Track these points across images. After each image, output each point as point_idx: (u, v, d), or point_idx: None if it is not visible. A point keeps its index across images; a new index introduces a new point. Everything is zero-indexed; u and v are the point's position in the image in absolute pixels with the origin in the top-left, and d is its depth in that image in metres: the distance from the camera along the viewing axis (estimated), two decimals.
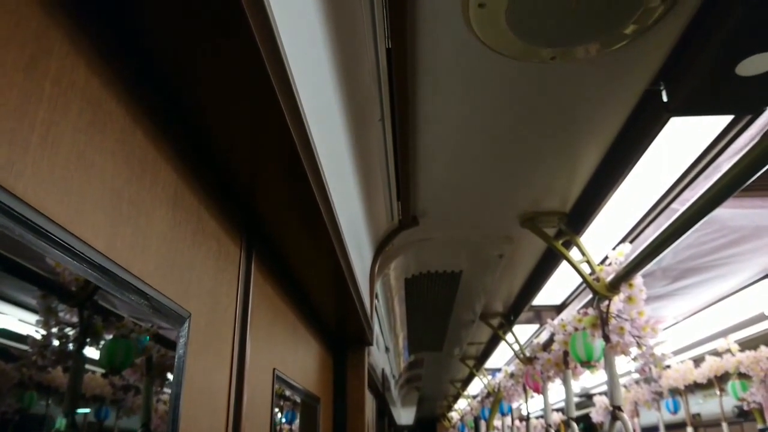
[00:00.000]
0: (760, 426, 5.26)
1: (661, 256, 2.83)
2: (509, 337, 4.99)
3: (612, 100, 1.99)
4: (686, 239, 3.65)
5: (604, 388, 8.63)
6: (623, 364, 7.72)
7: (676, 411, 6.96)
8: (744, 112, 1.90)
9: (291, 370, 1.99)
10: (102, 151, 0.78)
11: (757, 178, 2.79)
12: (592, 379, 8.52)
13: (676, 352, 6.36)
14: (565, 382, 3.73)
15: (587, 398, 9.52)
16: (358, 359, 2.68)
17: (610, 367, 2.80)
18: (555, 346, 3.61)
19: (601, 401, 8.64)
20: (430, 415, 15.51)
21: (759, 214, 3.31)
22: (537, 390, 4.55)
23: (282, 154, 1.13)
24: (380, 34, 1.55)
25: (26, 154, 0.62)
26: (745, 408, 5.23)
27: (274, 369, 1.75)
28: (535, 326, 5.19)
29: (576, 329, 3.19)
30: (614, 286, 2.71)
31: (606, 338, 2.80)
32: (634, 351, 2.68)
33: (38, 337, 0.66)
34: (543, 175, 2.55)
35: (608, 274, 2.75)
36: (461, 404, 11.98)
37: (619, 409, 2.74)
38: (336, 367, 2.69)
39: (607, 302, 2.84)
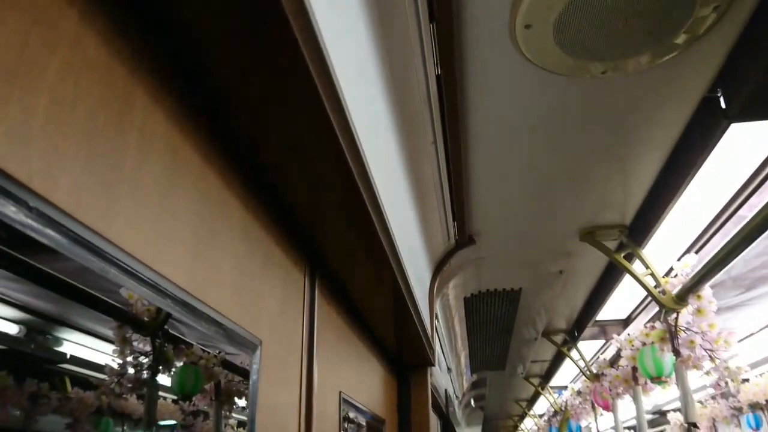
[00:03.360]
0: None
1: (730, 265, 2.74)
2: (574, 353, 4.88)
3: (668, 109, 1.96)
4: (757, 246, 3.51)
5: (678, 404, 8.26)
6: (696, 378, 7.35)
7: (758, 427, 6.57)
8: None
9: (356, 392, 2.02)
10: (181, 193, 0.85)
11: None
12: (664, 395, 8.17)
13: (754, 365, 6.04)
14: (636, 399, 3.61)
15: (660, 415, 9.11)
16: (420, 380, 2.69)
17: (682, 382, 2.71)
18: (623, 362, 3.51)
19: (675, 418, 8.26)
20: None
21: None
22: (606, 408, 4.42)
23: (340, 185, 1.18)
24: (429, 61, 1.59)
25: (118, 201, 0.68)
26: None
27: (340, 392, 1.79)
28: (601, 342, 5.05)
29: (644, 344, 3.10)
30: (681, 298, 2.63)
31: (676, 352, 2.71)
32: (707, 365, 2.59)
33: (115, 365, 0.72)
34: (600, 189, 2.52)
35: (674, 287, 2.67)
36: (528, 423, 11.69)
37: (695, 425, 2.64)
38: (400, 388, 2.71)
39: (675, 315, 2.75)
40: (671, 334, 2.75)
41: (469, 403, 8.81)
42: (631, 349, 3.29)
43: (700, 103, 1.93)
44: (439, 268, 2.82)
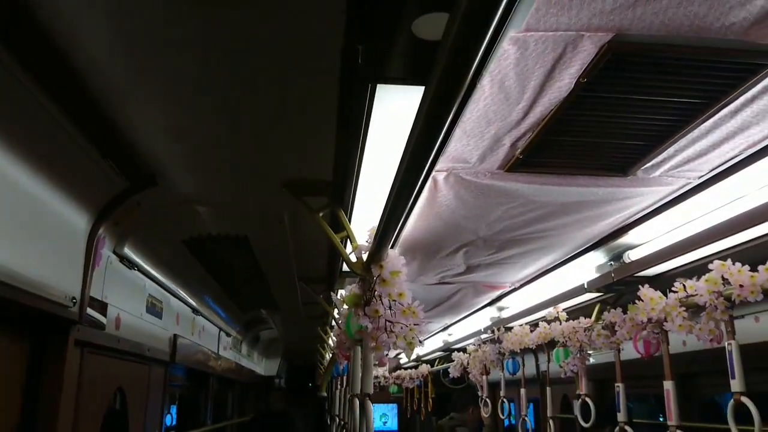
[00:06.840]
0: (578, 391, 5.39)
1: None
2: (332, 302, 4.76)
3: (315, 62, 1.66)
4: (493, 212, 3.48)
5: (464, 343, 8.78)
6: (474, 323, 7.57)
7: (515, 371, 7.12)
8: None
9: None
10: None
11: (550, 158, 2.59)
12: (456, 334, 8.65)
13: (517, 316, 6.48)
14: (354, 360, 3.52)
15: (450, 352, 9.64)
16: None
17: (364, 353, 2.59)
18: (340, 321, 3.39)
19: (458, 357, 8.74)
20: (309, 364, 15.52)
21: (558, 191, 3.15)
22: (347, 358, 4.36)
23: None
24: None
25: None
26: (562, 376, 5.33)
27: None
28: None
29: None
30: (368, 266, 2.46)
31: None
32: (384, 338, 2.46)
33: None
34: (290, 142, 2.23)
35: (362, 252, 2.49)
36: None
37: (369, 397, 2.54)
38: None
39: (374, 280, 2.59)
40: (364, 302, 2.59)
41: (258, 337, 8.68)
42: (346, 308, 3.14)
43: (344, 59, 1.63)
44: (107, 212, 2.39)
